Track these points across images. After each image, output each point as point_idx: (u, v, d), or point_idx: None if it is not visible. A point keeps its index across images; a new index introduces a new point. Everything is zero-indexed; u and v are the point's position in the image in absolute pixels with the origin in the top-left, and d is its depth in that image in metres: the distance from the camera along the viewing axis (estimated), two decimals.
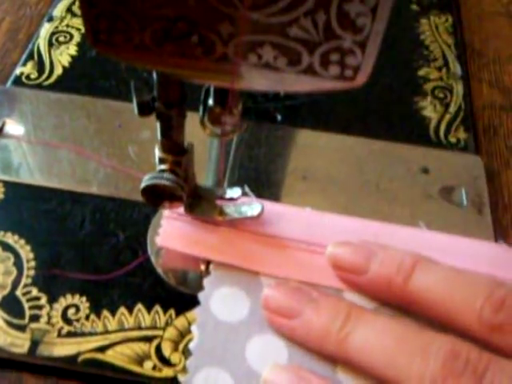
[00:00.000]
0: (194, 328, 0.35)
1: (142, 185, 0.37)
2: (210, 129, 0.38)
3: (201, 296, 0.37)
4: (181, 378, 0.34)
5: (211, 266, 0.38)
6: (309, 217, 0.40)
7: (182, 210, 0.39)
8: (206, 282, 0.37)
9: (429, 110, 0.55)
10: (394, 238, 0.39)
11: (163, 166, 0.37)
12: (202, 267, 0.41)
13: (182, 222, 0.39)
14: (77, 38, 0.58)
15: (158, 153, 0.37)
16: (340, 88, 0.29)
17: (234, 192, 0.40)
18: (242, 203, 0.40)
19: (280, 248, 0.39)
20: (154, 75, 0.33)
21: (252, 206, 0.40)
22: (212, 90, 0.36)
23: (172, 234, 0.39)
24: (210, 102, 0.36)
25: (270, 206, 0.40)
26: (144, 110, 0.35)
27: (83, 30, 0.58)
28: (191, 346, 0.35)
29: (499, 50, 0.63)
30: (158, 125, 0.36)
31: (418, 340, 0.31)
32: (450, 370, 0.29)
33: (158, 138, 0.37)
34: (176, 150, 0.37)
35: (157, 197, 0.38)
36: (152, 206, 0.39)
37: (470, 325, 0.31)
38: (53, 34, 0.58)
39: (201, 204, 0.40)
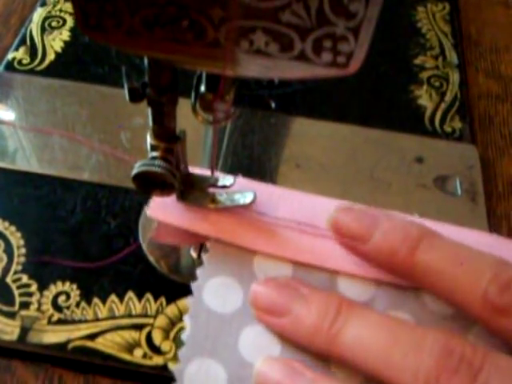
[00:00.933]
0: (186, 318, 0.35)
1: (134, 172, 0.37)
2: (201, 116, 0.37)
3: (193, 286, 0.36)
4: (172, 367, 0.33)
5: (207, 243, 0.37)
6: (303, 197, 0.40)
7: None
8: (199, 272, 0.37)
9: (424, 98, 0.55)
10: None
11: (155, 153, 0.37)
12: (194, 255, 0.41)
13: (172, 210, 0.39)
14: (70, 23, 0.57)
15: (149, 140, 0.37)
16: (333, 75, 0.29)
17: (227, 180, 0.40)
18: (235, 191, 0.40)
19: (274, 227, 0.38)
20: (145, 61, 0.32)
21: (244, 194, 0.40)
22: (204, 76, 0.35)
23: (162, 206, 0.39)
24: (202, 88, 0.36)
25: (263, 186, 0.40)
26: (135, 96, 0.34)
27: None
28: (183, 336, 0.35)
29: (496, 39, 0.63)
30: (149, 111, 0.35)
31: (411, 335, 0.31)
32: (444, 367, 0.29)
33: (149, 124, 0.36)
34: (168, 137, 0.37)
35: (148, 184, 0.37)
36: (143, 194, 0.39)
37: (474, 303, 0.31)
38: (46, 18, 0.57)
39: (193, 192, 0.40)
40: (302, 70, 0.28)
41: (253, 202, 0.39)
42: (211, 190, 0.40)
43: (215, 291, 0.36)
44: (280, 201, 0.40)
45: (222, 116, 0.36)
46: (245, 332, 0.35)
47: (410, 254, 0.33)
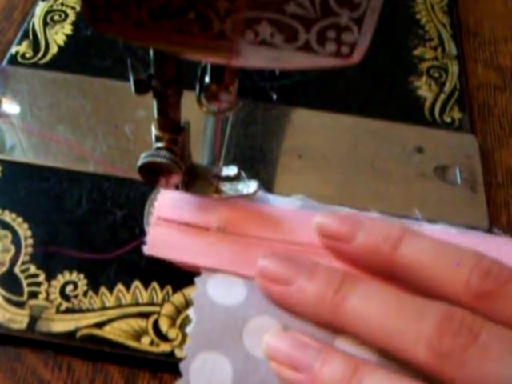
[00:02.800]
0: (191, 312, 0.36)
1: (139, 163, 0.37)
2: (206, 106, 0.38)
3: (197, 281, 0.37)
4: (180, 363, 0.34)
5: (202, 271, 0.38)
6: (298, 215, 0.40)
7: (169, 214, 0.40)
8: (202, 271, 0.38)
9: (424, 89, 0.55)
10: None
11: (160, 144, 0.38)
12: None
13: (170, 229, 0.40)
14: (72, 16, 0.58)
15: (154, 131, 0.37)
16: (336, 65, 0.29)
17: (230, 170, 0.41)
18: (238, 181, 0.41)
19: (265, 249, 0.39)
20: (151, 53, 0.33)
21: (248, 184, 0.40)
22: (209, 67, 0.36)
23: (159, 241, 0.39)
24: (207, 79, 0.37)
25: (259, 203, 0.41)
26: (140, 88, 0.35)
27: (78, 9, 0.58)
28: (188, 330, 0.35)
29: (494, 30, 0.63)
30: (154, 103, 0.36)
31: (413, 304, 0.32)
32: (445, 330, 0.30)
33: (154, 116, 0.37)
34: (172, 128, 0.37)
35: (154, 174, 0.38)
36: (149, 184, 0.40)
37: (457, 292, 0.32)
38: (48, 12, 0.58)
39: (197, 182, 0.41)
40: (306, 60, 0.29)
41: (256, 191, 0.40)
42: (215, 180, 0.41)
43: (219, 284, 0.37)
44: (276, 221, 0.40)
45: (227, 106, 0.37)
46: (249, 324, 0.35)
47: (393, 250, 0.34)
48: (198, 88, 0.38)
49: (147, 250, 0.39)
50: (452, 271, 0.33)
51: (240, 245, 0.39)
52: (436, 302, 0.32)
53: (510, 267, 0.33)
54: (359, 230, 0.36)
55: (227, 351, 0.34)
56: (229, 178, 0.41)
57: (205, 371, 0.34)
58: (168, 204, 0.40)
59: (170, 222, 0.40)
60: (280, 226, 0.40)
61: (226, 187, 0.40)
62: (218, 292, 0.36)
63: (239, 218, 0.40)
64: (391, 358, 0.32)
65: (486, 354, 0.29)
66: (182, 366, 0.34)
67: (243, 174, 0.40)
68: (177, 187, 0.40)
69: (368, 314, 0.32)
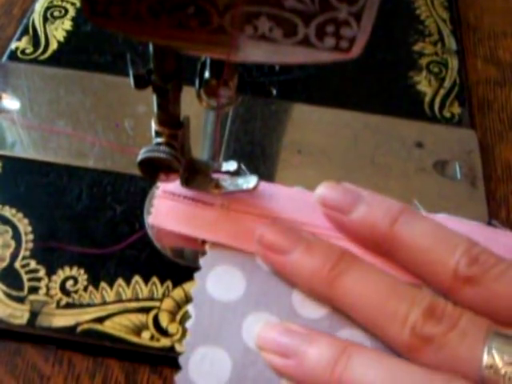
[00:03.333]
0: (190, 308, 0.36)
1: (139, 158, 0.37)
2: (206, 101, 0.38)
3: (197, 276, 0.37)
4: (179, 357, 0.34)
5: (206, 246, 0.38)
6: (301, 196, 0.41)
7: (174, 188, 0.40)
8: (202, 261, 0.38)
9: (424, 84, 0.55)
10: None
11: (159, 139, 0.37)
12: (199, 244, 0.41)
13: (175, 202, 0.40)
14: (71, 12, 0.58)
15: (154, 126, 0.37)
16: (335, 59, 0.29)
17: (230, 165, 0.41)
18: (238, 176, 0.41)
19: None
20: (150, 47, 0.33)
21: (248, 179, 0.40)
22: (208, 62, 0.36)
23: (164, 212, 0.39)
24: (207, 74, 0.37)
25: (263, 185, 0.41)
26: (140, 82, 0.35)
27: (78, 5, 0.58)
28: (188, 325, 0.35)
29: (494, 25, 0.63)
30: (154, 98, 0.36)
31: (404, 291, 0.33)
32: (429, 317, 0.31)
33: (154, 111, 0.37)
34: (172, 123, 0.37)
35: (153, 170, 0.38)
36: (148, 179, 0.40)
37: (446, 276, 0.33)
38: (47, 8, 0.58)
39: (197, 177, 0.41)
40: (305, 54, 0.29)
41: (256, 186, 0.40)
42: (215, 175, 0.41)
43: (218, 280, 0.37)
44: (281, 199, 0.40)
45: (226, 101, 0.37)
46: (248, 319, 0.35)
47: (391, 226, 0.34)
48: (197, 83, 0.38)
49: (151, 219, 0.39)
50: (444, 255, 0.33)
51: (244, 220, 0.39)
52: (423, 291, 0.33)
53: (499, 256, 0.33)
54: (360, 204, 0.36)
55: (226, 345, 0.34)
56: (229, 173, 0.41)
57: (204, 364, 0.34)
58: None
59: (175, 196, 0.40)
60: (284, 205, 0.40)
61: (226, 182, 0.40)
62: (216, 287, 0.36)
63: (243, 197, 0.40)
64: (375, 337, 0.33)
65: (464, 339, 0.31)
66: (181, 359, 0.34)
67: (243, 167, 0.40)
68: None
69: (359, 294, 0.33)
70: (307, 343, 0.32)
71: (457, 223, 0.40)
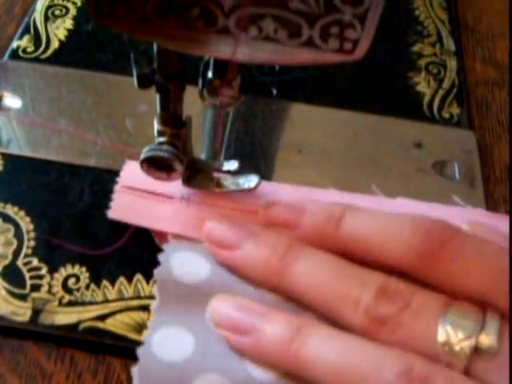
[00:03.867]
0: (154, 289, 0.36)
1: (141, 157, 0.38)
2: (208, 101, 0.38)
3: (161, 257, 0.37)
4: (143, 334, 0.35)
5: (169, 236, 0.39)
6: (267, 188, 0.41)
7: (133, 183, 0.41)
8: (166, 246, 0.38)
9: (422, 85, 0.56)
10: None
11: (162, 139, 0.38)
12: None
13: (134, 196, 0.40)
14: (73, 11, 0.58)
15: (156, 125, 0.38)
16: (339, 61, 0.30)
17: (231, 164, 0.41)
18: (239, 175, 0.41)
19: (231, 217, 0.39)
20: (155, 47, 0.33)
21: (249, 178, 0.41)
22: (212, 62, 0.36)
23: (123, 206, 0.40)
24: (210, 74, 0.37)
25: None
26: (143, 82, 0.35)
27: (79, 4, 0.58)
28: (152, 306, 0.36)
29: (492, 26, 0.64)
30: (157, 97, 0.36)
31: (354, 273, 0.34)
32: (382, 297, 0.32)
33: (157, 110, 0.37)
34: (175, 122, 0.38)
35: (155, 168, 0.38)
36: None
37: (401, 257, 0.34)
38: (49, 7, 0.58)
39: (198, 176, 0.41)
40: (309, 56, 0.29)
41: (257, 185, 0.40)
42: (216, 174, 0.41)
43: (183, 263, 0.37)
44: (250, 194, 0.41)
45: (229, 101, 0.37)
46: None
47: (336, 228, 0.36)
48: (200, 82, 0.38)
49: (111, 213, 0.40)
50: (392, 238, 0.34)
51: (203, 212, 0.39)
52: (375, 272, 0.34)
53: (454, 225, 0.34)
54: (304, 216, 0.37)
55: (190, 326, 0.35)
56: (230, 173, 0.41)
57: (167, 340, 0.35)
58: (132, 174, 0.41)
59: (134, 190, 0.40)
60: (245, 197, 0.40)
61: (227, 181, 0.41)
62: (181, 270, 0.37)
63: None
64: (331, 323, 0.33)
65: (417, 318, 0.31)
66: (145, 335, 0.35)
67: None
68: None
69: (311, 280, 0.34)
70: (264, 320, 0.33)
71: (416, 207, 0.40)
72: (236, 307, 0.34)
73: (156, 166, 0.38)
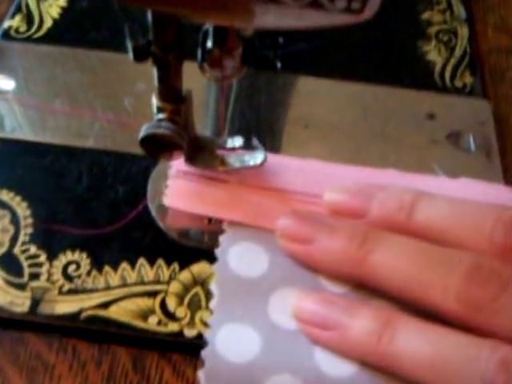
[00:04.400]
0: (213, 286, 0.35)
1: (141, 135, 0.36)
2: (209, 73, 0.36)
3: (218, 252, 0.36)
4: (205, 333, 0.33)
5: (224, 224, 0.37)
6: (316, 168, 0.39)
7: (188, 167, 0.38)
8: (222, 238, 0.36)
9: (433, 54, 0.53)
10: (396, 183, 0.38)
11: (161, 115, 0.36)
12: (205, 222, 0.40)
13: (189, 181, 0.38)
14: None
15: (155, 102, 0.36)
16: (347, 22, 0.27)
17: (236, 141, 0.39)
18: (244, 152, 0.39)
19: (287, 202, 0.38)
20: (149, 16, 0.31)
21: (254, 156, 0.39)
22: (211, 31, 0.34)
23: (179, 193, 0.38)
24: (209, 44, 0.35)
25: (274, 158, 0.39)
26: (140, 55, 0.33)
27: None
28: (212, 304, 0.34)
29: None
30: (154, 71, 0.34)
31: (440, 255, 0.31)
32: (474, 280, 0.29)
33: (155, 86, 0.35)
34: (174, 97, 0.36)
35: (156, 147, 0.37)
36: (151, 157, 0.38)
37: (482, 249, 0.31)
38: None
39: (201, 154, 0.39)
40: (315, 18, 0.27)
41: (263, 162, 0.38)
42: (220, 151, 0.39)
43: (240, 256, 0.36)
44: (294, 172, 0.39)
45: (231, 72, 0.36)
46: (274, 295, 0.34)
47: (408, 218, 0.33)
48: (199, 54, 0.36)
49: (167, 201, 0.38)
50: (473, 228, 0.32)
51: (261, 196, 0.38)
52: (464, 251, 0.31)
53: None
54: (372, 203, 0.35)
55: (253, 322, 0.33)
56: (234, 150, 0.39)
57: (231, 340, 0.33)
58: None
59: (189, 175, 0.38)
60: (300, 177, 0.38)
61: (232, 159, 0.39)
62: (239, 264, 0.35)
63: (258, 171, 0.38)
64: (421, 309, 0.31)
65: None
66: (207, 335, 0.33)
67: (256, 141, 0.39)
68: None
69: (394, 267, 0.31)
70: (349, 315, 0.32)
71: (479, 188, 0.38)
72: (320, 301, 0.33)
73: (157, 144, 0.36)
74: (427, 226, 0.33)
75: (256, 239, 0.36)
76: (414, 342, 0.30)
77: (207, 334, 0.33)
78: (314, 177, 0.39)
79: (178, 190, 0.38)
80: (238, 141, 0.39)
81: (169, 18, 0.31)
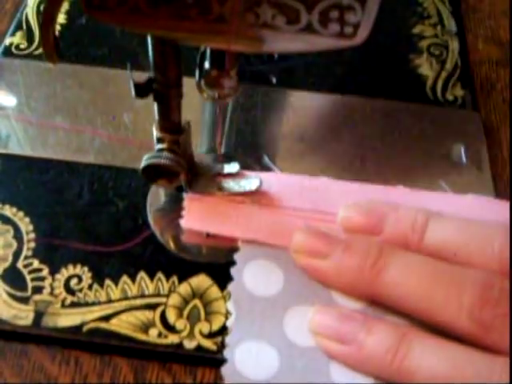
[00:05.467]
0: (229, 304, 0.35)
1: (142, 164, 0.37)
2: (206, 93, 0.37)
3: (233, 271, 0.36)
4: (224, 352, 0.34)
5: (239, 242, 0.38)
6: (328, 186, 0.40)
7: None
8: (237, 256, 0.37)
9: (425, 67, 0.54)
10: (404, 201, 0.39)
11: (161, 145, 0.37)
12: (204, 235, 0.41)
13: (205, 202, 0.39)
14: (65, 5, 0.57)
15: (155, 132, 0.37)
16: (340, 46, 0.29)
17: (232, 167, 0.41)
18: (241, 178, 0.40)
19: (300, 219, 0.39)
20: (150, 56, 0.32)
21: (250, 180, 0.40)
22: (208, 52, 0.35)
23: (196, 214, 0.39)
24: (207, 65, 0.36)
25: (287, 177, 0.41)
26: (141, 91, 0.35)
27: None
28: (229, 323, 0.35)
29: (494, 4, 0.62)
30: (155, 106, 0.36)
31: (452, 274, 0.32)
32: (486, 298, 0.30)
33: (155, 118, 0.36)
34: (174, 129, 0.37)
35: (156, 175, 0.38)
36: (151, 183, 0.40)
37: (490, 268, 0.32)
38: (41, 2, 0.57)
39: (200, 180, 0.41)
40: (309, 42, 0.28)
41: (259, 188, 0.39)
42: (217, 177, 0.41)
43: (255, 274, 0.36)
44: (305, 191, 0.40)
45: (228, 92, 0.37)
46: (289, 313, 0.35)
47: (420, 240, 0.34)
48: (197, 74, 0.37)
49: (184, 223, 0.39)
50: (481, 249, 0.33)
51: (276, 215, 0.39)
52: (475, 270, 0.32)
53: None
54: (385, 223, 0.35)
55: (270, 340, 0.34)
56: (231, 175, 0.41)
57: (250, 357, 0.34)
58: None
59: (204, 196, 0.39)
60: (313, 196, 0.39)
61: (229, 184, 0.40)
62: (254, 282, 0.36)
63: (272, 190, 0.39)
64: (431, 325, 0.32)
65: None
66: (226, 352, 0.34)
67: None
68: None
69: (407, 285, 0.32)
70: (365, 330, 0.32)
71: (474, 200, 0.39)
72: (337, 316, 0.34)
73: (157, 173, 0.38)
74: (438, 247, 0.34)
75: (270, 257, 0.37)
76: (428, 358, 0.30)
77: (225, 351, 0.34)
78: (326, 195, 0.40)
79: (194, 211, 0.39)
80: (234, 167, 0.40)
81: (168, 40, 0.32)
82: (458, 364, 0.30)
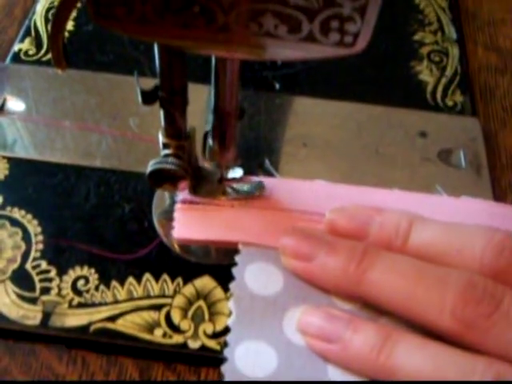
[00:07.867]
0: (230, 303, 0.36)
1: (148, 170, 0.38)
2: (210, 164, 0.41)
3: (235, 271, 0.37)
4: (224, 350, 0.35)
5: (239, 245, 0.39)
6: (318, 189, 0.41)
7: (192, 197, 0.41)
8: (238, 258, 0.38)
9: (425, 74, 0.55)
10: (398, 204, 0.40)
11: (167, 151, 0.39)
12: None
13: (194, 210, 0.40)
14: (73, 13, 0.57)
15: (161, 138, 0.38)
16: (340, 54, 0.29)
17: (236, 172, 0.42)
18: (244, 182, 0.41)
19: (290, 221, 0.40)
20: (157, 64, 0.33)
21: (254, 185, 0.41)
22: (211, 132, 0.38)
23: (186, 224, 0.40)
24: (210, 142, 0.39)
25: (275, 181, 0.42)
26: (148, 98, 0.36)
27: (79, 5, 0.58)
28: (229, 322, 0.36)
29: (493, 11, 0.63)
30: (161, 113, 0.37)
31: (435, 273, 0.33)
32: (469, 298, 0.31)
33: (161, 124, 0.38)
34: (179, 135, 0.38)
35: (162, 180, 0.39)
36: (156, 188, 0.41)
37: (472, 270, 0.32)
38: (49, 9, 0.58)
39: (204, 185, 0.42)
40: (310, 50, 0.29)
41: (262, 192, 0.41)
42: (221, 182, 0.42)
43: (256, 275, 0.37)
44: (296, 193, 0.41)
45: (228, 162, 0.39)
46: (288, 314, 0.36)
47: (403, 243, 0.35)
48: (201, 148, 0.39)
49: (176, 233, 0.40)
50: (465, 252, 0.33)
51: (266, 217, 0.39)
52: (459, 270, 0.32)
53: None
54: (370, 226, 0.36)
55: (269, 339, 0.35)
56: (235, 180, 0.42)
57: (249, 356, 0.34)
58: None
59: (194, 203, 0.40)
60: (303, 198, 0.40)
61: (233, 189, 0.41)
62: (255, 282, 0.37)
63: (272, 195, 0.41)
64: (416, 325, 0.33)
65: (509, 321, 0.30)
66: (226, 352, 0.34)
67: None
68: None
69: (391, 285, 0.33)
70: (351, 329, 0.33)
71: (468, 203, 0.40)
72: (323, 316, 0.34)
73: (163, 178, 0.39)
74: (421, 250, 0.34)
75: (270, 259, 0.38)
76: (411, 356, 0.31)
77: (226, 350, 0.34)
78: (317, 197, 0.41)
79: (185, 221, 0.40)
80: (237, 172, 0.42)
81: (175, 62, 0.33)
82: (440, 363, 0.30)
